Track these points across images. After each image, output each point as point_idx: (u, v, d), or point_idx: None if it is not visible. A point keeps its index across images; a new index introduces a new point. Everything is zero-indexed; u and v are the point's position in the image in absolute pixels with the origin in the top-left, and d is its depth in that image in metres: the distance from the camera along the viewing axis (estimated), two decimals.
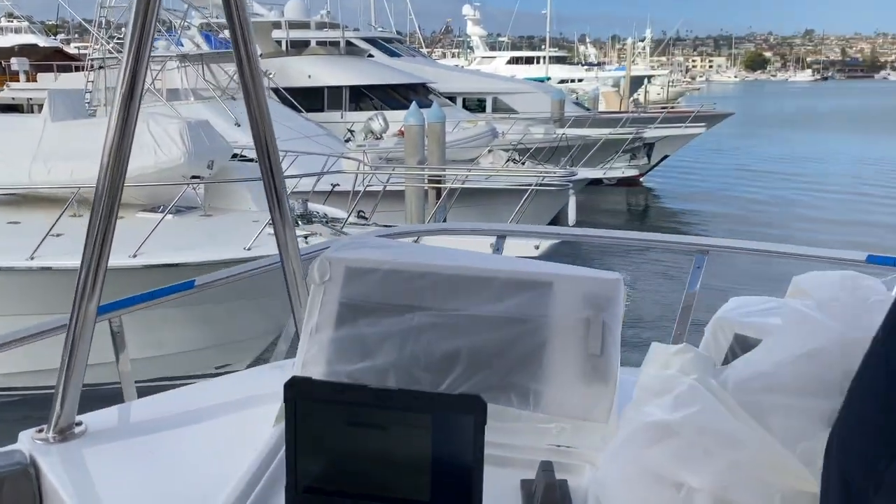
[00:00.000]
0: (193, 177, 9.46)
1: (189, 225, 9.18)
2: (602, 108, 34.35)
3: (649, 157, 22.52)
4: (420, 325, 1.52)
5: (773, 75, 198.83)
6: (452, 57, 59.89)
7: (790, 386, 1.14)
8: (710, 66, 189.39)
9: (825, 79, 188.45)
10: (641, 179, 23.74)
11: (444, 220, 12.46)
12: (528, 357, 1.47)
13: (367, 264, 1.60)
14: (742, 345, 1.41)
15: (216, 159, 9.79)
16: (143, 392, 1.89)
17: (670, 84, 57.55)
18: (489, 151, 16.70)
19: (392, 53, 28.25)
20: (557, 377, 1.46)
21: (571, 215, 10.84)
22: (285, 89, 19.75)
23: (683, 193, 23.84)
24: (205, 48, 18.06)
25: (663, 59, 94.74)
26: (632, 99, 41.44)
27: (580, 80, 45.86)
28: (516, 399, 1.46)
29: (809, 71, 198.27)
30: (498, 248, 2.47)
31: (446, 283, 1.56)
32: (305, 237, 7.94)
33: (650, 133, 21.57)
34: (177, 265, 7.93)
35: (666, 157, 24.43)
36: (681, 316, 2.15)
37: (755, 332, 1.39)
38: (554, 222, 13.94)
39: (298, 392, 1.09)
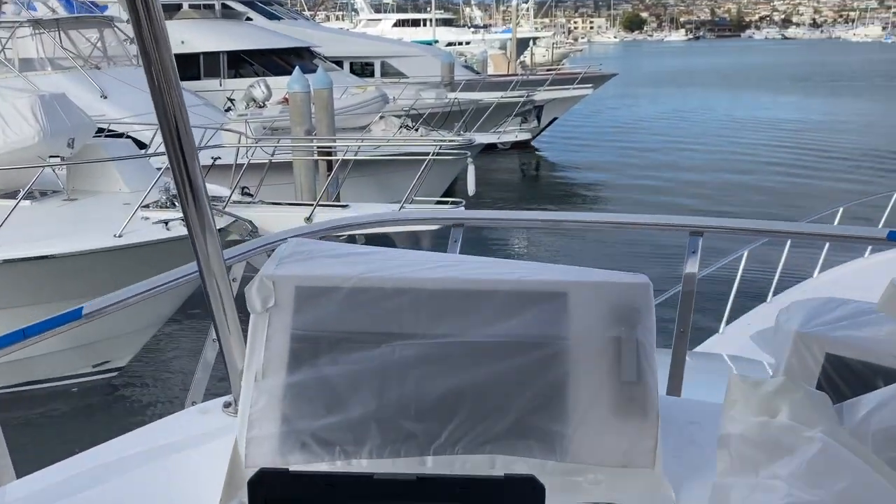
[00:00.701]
0: (52, 157, 8.47)
1: (50, 211, 8.30)
2: (491, 71, 34.30)
3: (539, 119, 22.65)
4: (403, 359, 1.22)
5: (649, 35, 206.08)
6: (336, 20, 58.07)
7: None
8: (591, 28, 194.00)
9: (697, 38, 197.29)
10: (533, 142, 23.87)
11: (338, 194, 11.92)
12: (547, 392, 1.20)
13: (325, 281, 1.29)
14: (838, 367, 1.18)
15: (77, 137, 8.81)
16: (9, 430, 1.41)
17: (554, 46, 58.38)
18: (381, 118, 16.16)
19: (272, 16, 26.87)
20: (586, 415, 1.19)
21: (471, 185, 10.56)
22: None
23: (574, 156, 24.18)
24: (62, 13, 16.36)
25: (546, 20, 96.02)
26: (519, 61, 41.63)
27: (468, 43, 45.62)
28: (537, 447, 1.18)
29: (683, 31, 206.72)
30: (455, 239, 2.10)
31: (433, 301, 1.27)
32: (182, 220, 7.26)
33: (540, 96, 21.65)
34: (38, 258, 7.08)
35: (555, 119, 24.72)
36: (682, 307, 1.84)
37: (856, 352, 1.17)
38: (450, 192, 13.67)
39: (270, 493, 0.78)
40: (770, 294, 4.68)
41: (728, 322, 4.55)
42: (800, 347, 1.26)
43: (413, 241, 9.60)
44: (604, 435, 1.20)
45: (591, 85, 24.24)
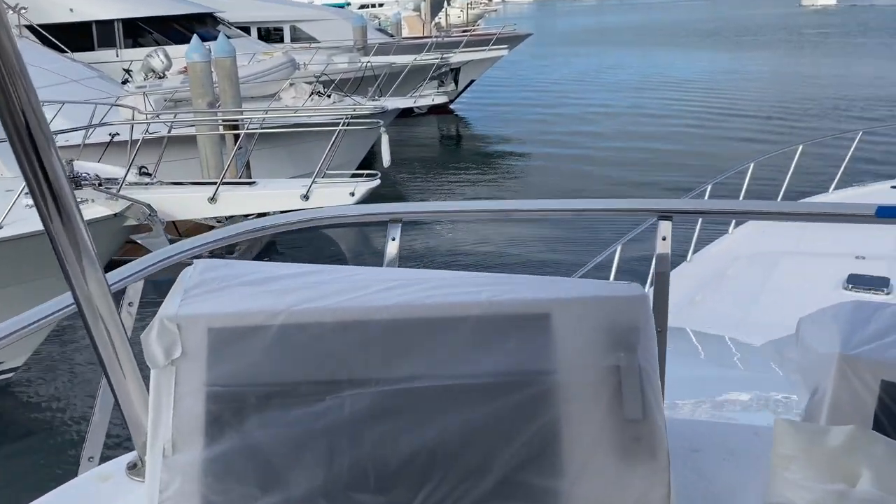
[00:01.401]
0: None
1: None
2: (405, 33, 33.59)
3: (456, 82, 22.30)
4: (355, 414, 0.99)
5: None
6: None
7: None
8: None
9: None
10: (451, 106, 23.52)
11: (248, 167, 11.28)
12: (537, 440, 1.01)
13: (247, 319, 1.03)
14: None
15: None
16: None
17: (469, 6, 57.75)
18: (290, 85, 15.45)
19: None
20: (585, 465, 1.01)
21: (386, 156, 10.12)
22: (42, 26, 17.24)
23: (494, 119, 23.94)
24: None
25: None
26: (434, 23, 40.96)
27: (381, 5, 44.56)
28: None
29: None
30: (393, 237, 1.78)
31: (388, 335, 1.03)
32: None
33: (456, 58, 21.25)
34: None
35: (472, 81, 24.41)
36: (656, 302, 1.57)
37: None
38: (366, 164, 13.20)
39: None
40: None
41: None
42: (847, 374, 1.04)
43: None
44: (608, 487, 1.01)
45: (506, 46, 23.99)
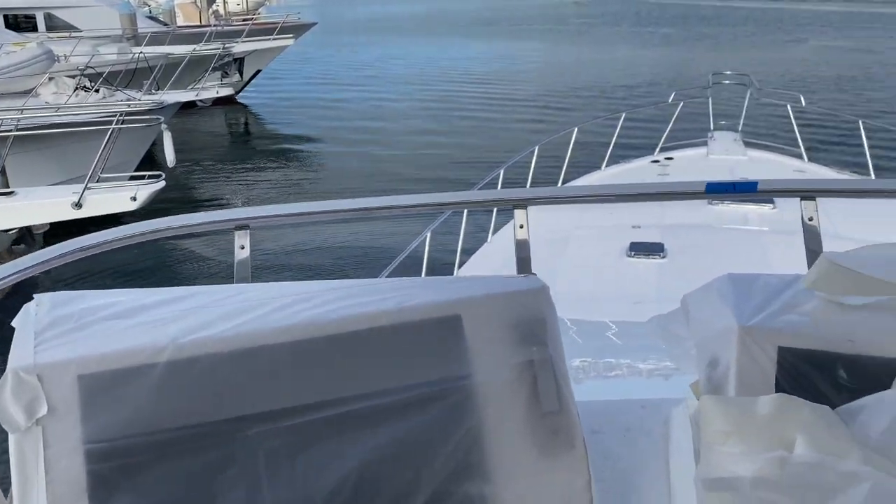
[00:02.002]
0: None
1: None
2: (180, 22, 31.54)
3: (241, 73, 21.38)
4: (269, 451, 0.89)
5: None
6: None
7: None
8: None
9: None
10: (238, 97, 22.51)
11: (3, 174, 9.95)
12: (463, 448, 0.98)
13: (125, 359, 0.88)
14: (794, 363, 1.03)
15: None
16: None
17: None
18: (50, 79, 13.84)
19: None
20: (512, 464, 1.00)
21: (170, 155, 9.35)
22: None
23: (284, 109, 23.25)
24: None
25: None
26: (211, 11, 38.87)
27: None
28: None
29: None
30: (242, 246, 1.59)
31: (294, 358, 0.94)
32: None
33: (239, 47, 20.33)
34: None
35: (258, 71, 23.57)
36: None
37: (808, 341, 1.03)
38: (147, 163, 12.21)
39: None
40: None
41: None
42: (749, 344, 1.06)
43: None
44: (534, 483, 1.01)
45: (291, 35, 23.37)
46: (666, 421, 1.33)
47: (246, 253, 1.59)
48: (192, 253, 10.26)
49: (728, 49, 40.09)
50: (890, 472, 0.84)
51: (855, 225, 3.69)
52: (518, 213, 1.74)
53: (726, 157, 5.90)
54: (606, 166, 6.30)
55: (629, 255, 3.64)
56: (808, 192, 1.65)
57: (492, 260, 4.15)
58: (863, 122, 6.84)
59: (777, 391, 1.02)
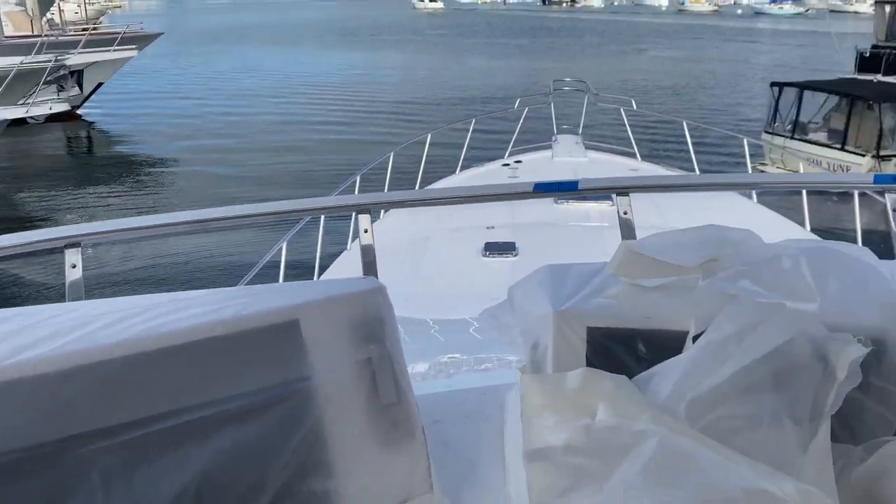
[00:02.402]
0: None
1: None
2: (9, 31, 29.07)
3: (81, 86, 20.03)
4: (106, 470, 0.86)
5: None
6: None
7: (766, 394, 0.94)
8: None
9: None
10: (80, 112, 21.06)
11: None
12: (305, 448, 1.00)
13: None
14: (600, 340, 1.15)
15: None
16: None
17: (88, 2, 52.22)
18: None
19: None
20: (354, 458, 1.04)
21: None
22: None
23: (131, 124, 21.99)
24: None
25: None
26: (45, 20, 36.17)
27: None
28: None
29: None
30: (73, 264, 1.55)
31: (128, 374, 0.92)
32: None
33: (75, 59, 19.03)
34: None
35: (100, 84, 22.15)
36: None
37: (611, 320, 1.15)
38: None
39: None
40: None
41: None
42: (562, 327, 1.17)
43: None
44: (376, 475, 1.06)
45: (134, 46, 22.18)
46: (502, 405, 1.41)
47: (78, 272, 1.54)
48: (17, 277, 9.52)
49: (575, 58, 42.25)
50: (673, 428, 0.95)
51: (679, 215, 4.09)
52: (362, 218, 1.78)
53: (569, 158, 6.22)
54: (461, 170, 6.46)
55: (484, 255, 3.77)
56: (621, 189, 1.84)
57: (353, 265, 4.07)
58: (686, 123, 7.49)
59: (588, 366, 1.12)
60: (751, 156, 14.77)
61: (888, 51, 16.14)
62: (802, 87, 16.16)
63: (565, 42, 53.61)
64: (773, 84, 16.61)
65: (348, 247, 4.59)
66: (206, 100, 25.94)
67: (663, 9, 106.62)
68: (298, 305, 1.06)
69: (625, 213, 1.83)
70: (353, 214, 1.86)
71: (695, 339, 1.09)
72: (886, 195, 2.03)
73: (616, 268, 1.23)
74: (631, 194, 1.83)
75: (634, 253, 1.20)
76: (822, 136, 15.64)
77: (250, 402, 1.00)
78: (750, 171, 6.58)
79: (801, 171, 14.24)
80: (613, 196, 1.87)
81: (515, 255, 3.75)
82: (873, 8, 18.02)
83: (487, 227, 4.18)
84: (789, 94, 16.09)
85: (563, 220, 4.27)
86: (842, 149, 14.89)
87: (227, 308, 1.05)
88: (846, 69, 17.41)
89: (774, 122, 16.21)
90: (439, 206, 2.20)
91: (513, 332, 1.32)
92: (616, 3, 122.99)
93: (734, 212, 4.64)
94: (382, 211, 4.77)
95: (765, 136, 16.34)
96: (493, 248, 3.83)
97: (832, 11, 70.49)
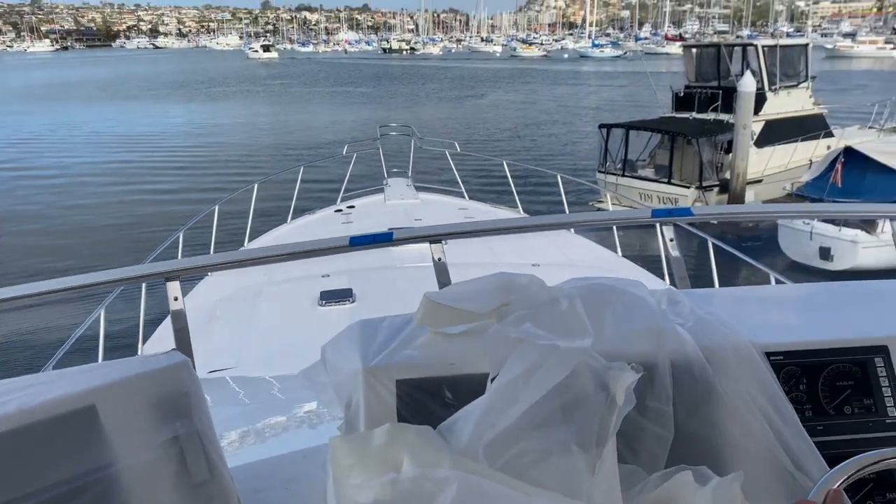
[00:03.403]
0: None
1: None
2: None
3: None
4: None
5: (8, 46, 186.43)
6: None
7: (554, 428, 1.05)
8: None
9: (66, 48, 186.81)
10: None
11: None
12: None
13: None
14: (410, 392, 1.19)
15: None
16: None
17: None
18: None
19: None
20: None
21: None
22: None
23: None
24: None
25: None
26: None
27: None
28: None
29: (48, 41, 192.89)
30: None
31: None
32: None
33: None
34: None
35: None
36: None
37: (418, 371, 1.20)
38: None
39: None
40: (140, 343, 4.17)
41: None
42: (372, 383, 1.20)
43: None
44: None
45: None
46: (323, 466, 1.38)
47: None
48: None
49: (419, 104, 43.13)
50: (472, 471, 1.00)
51: (512, 252, 4.29)
52: (170, 285, 1.75)
53: (401, 201, 6.34)
54: (292, 219, 6.32)
55: (321, 305, 3.68)
56: (434, 237, 1.97)
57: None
58: (506, 162, 7.89)
59: (399, 420, 1.16)
60: (588, 192, 15.66)
61: (699, 90, 17.59)
62: (628, 127, 17.22)
63: (408, 88, 54.77)
64: (601, 126, 17.57)
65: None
66: (20, 160, 23.79)
67: (497, 55, 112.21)
68: (94, 389, 1.03)
69: (439, 260, 1.95)
70: (164, 280, 1.80)
71: (493, 381, 1.13)
72: (662, 227, 2.13)
73: (420, 319, 1.27)
74: (443, 241, 1.97)
75: (435, 303, 1.25)
76: (650, 172, 16.68)
77: (47, 499, 0.96)
78: (566, 209, 7.11)
79: (634, 205, 15.09)
80: (428, 244, 1.97)
81: (353, 302, 3.68)
82: (682, 51, 19.65)
83: (323, 276, 4.07)
84: (617, 135, 17.08)
85: (399, 261, 4.22)
86: (669, 182, 15.93)
87: (11, 401, 1.00)
88: (664, 105, 18.80)
89: (606, 162, 17.11)
90: (253, 266, 2.13)
91: (328, 391, 1.33)
92: (454, 51, 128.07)
93: (559, 243, 4.94)
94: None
95: (599, 176, 17.21)
96: (330, 297, 3.74)
97: (647, 53, 77.24)
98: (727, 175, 15.89)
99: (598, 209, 14.21)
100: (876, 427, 1.32)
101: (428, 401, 1.21)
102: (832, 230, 11.78)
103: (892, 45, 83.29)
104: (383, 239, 2.02)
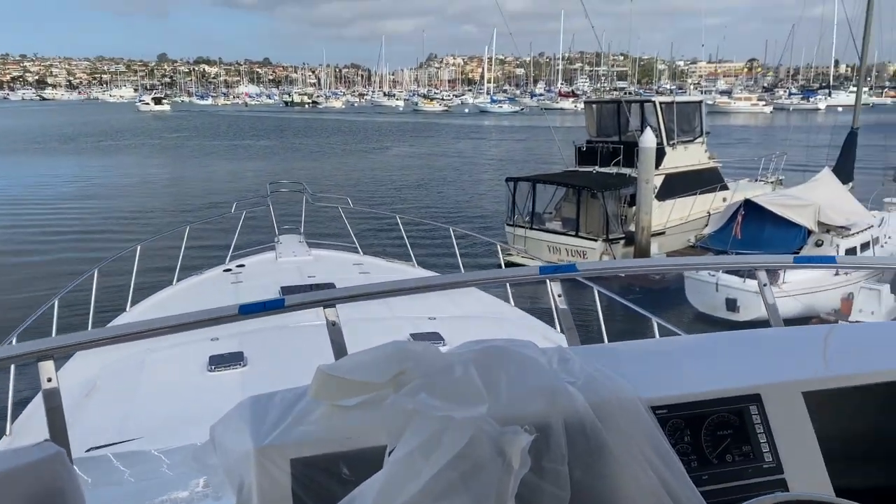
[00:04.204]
0: None
1: None
2: None
3: None
4: None
5: None
6: None
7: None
8: None
9: None
10: None
11: None
12: None
13: None
14: (310, 472, 1.18)
15: None
16: None
17: None
18: None
19: None
20: None
21: None
22: None
23: None
24: None
25: None
26: None
27: None
28: None
29: None
30: None
31: None
32: None
33: None
34: None
35: None
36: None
37: (314, 448, 1.19)
38: None
39: None
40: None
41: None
42: (265, 465, 1.17)
43: None
44: None
45: None
46: None
47: None
48: None
49: (323, 157, 42.65)
50: None
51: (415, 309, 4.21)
52: (43, 365, 1.68)
53: (294, 258, 6.25)
54: (178, 280, 6.07)
55: (210, 370, 3.53)
56: (328, 301, 1.94)
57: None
58: (399, 217, 7.95)
59: (295, 501, 1.17)
60: (484, 245, 15.55)
61: (600, 144, 18.01)
62: (534, 181, 17.35)
63: (313, 141, 54.26)
64: (507, 179, 17.64)
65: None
66: None
67: (400, 109, 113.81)
68: None
69: (334, 324, 1.93)
70: (36, 360, 1.68)
71: (390, 454, 1.12)
72: (550, 283, 2.19)
73: (314, 392, 1.25)
74: (337, 305, 1.94)
75: (329, 375, 1.23)
76: (557, 225, 16.79)
77: None
78: (460, 262, 7.09)
79: (543, 259, 15.05)
80: (322, 309, 1.94)
81: (245, 366, 3.54)
82: (582, 107, 20.16)
83: (212, 339, 3.87)
84: (524, 188, 17.16)
85: (292, 321, 4.03)
86: (577, 235, 16.04)
87: None
88: (567, 159, 19.14)
89: (514, 215, 17.12)
90: (130, 341, 2.01)
91: (219, 473, 1.27)
92: (356, 105, 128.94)
93: (455, 296, 4.99)
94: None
95: (507, 229, 17.17)
96: (220, 361, 3.59)
97: (544, 108, 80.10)
98: (632, 228, 16.17)
99: (507, 262, 14.07)
100: (755, 473, 1.40)
101: (324, 479, 1.20)
102: (737, 281, 12.03)
103: (764, 102, 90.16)
104: (274, 306, 1.96)
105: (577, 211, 16.19)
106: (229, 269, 6.05)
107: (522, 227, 16.85)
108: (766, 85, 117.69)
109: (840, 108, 74.74)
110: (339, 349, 1.87)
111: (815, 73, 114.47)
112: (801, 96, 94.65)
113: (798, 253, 10.93)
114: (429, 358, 1.25)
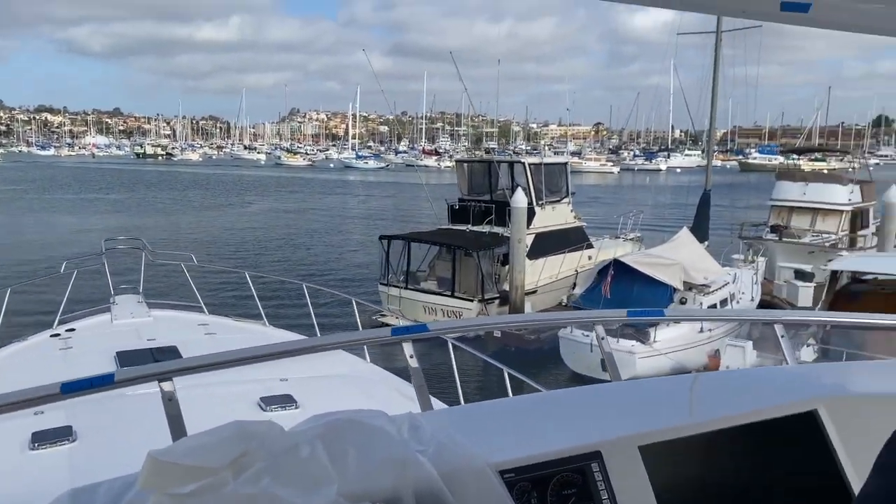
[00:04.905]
0: None
1: None
2: None
3: None
4: None
5: None
6: None
7: None
8: None
9: None
10: None
11: None
12: None
13: None
14: None
15: None
16: None
17: None
18: None
19: None
20: None
21: None
22: None
23: None
24: None
25: None
26: None
27: None
28: None
29: None
30: None
31: None
32: None
33: None
34: None
35: None
36: None
37: None
38: None
39: None
40: None
41: None
42: None
43: None
44: None
45: None
46: None
47: None
48: None
49: (178, 212, 40.47)
50: None
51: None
52: None
53: (132, 320, 5.86)
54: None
55: (32, 448, 3.18)
56: (164, 375, 1.84)
57: None
58: (248, 273, 7.67)
59: None
60: (375, 302, 15.04)
61: (473, 203, 18.13)
62: (408, 239, 17.11)
63: (168, 195, 51.59)
64: (381, 237, 17.30)
65: None
66: None
67: (262, 162, 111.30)
68: None
69: (170, 399, 1.80)
70: None
71: None
72: (403, 344, 2.19)
73: (145, 481, 1.14)
74: (173, 378, 1.83)
75: (162, 462, 1.13)
76: (432, 285, 16.56)
77: None
78: (314, 320, 6.86)
79: (418, 318, 14.69)
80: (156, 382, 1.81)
81: (73, 441, 3.23)
82: (445, 165, 20.31)
83: (35, 413, 3.46)
84: (397, 246, 16.86)
85: (128, 388, 3.56)
86: (452, 296, 15.85)
87: None
88: (435, 214, 19.09)
89: (388, 274, 16.74)
90: None
91: None
92: (214, 157, 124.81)
93: (316, 358, 4.70)
94: None
95: (381, 289, 16.74)
96: (43, 438, 3.25)
97: (408, 165, 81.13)
98: (506, 287, 16.24)
99: (382, 323, 13.60)
100: None
101: None
102: (610, 341, 12.22)
103: (612, 163, 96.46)
104: (102, 383, 1.83)
105: (452, 270, 16.07)
106: (57, 334, 5.51)
107: (397, 286, 16.49)
108: (611, 147, 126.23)
109: (678, 170, 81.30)
110: (177, 425, 1.76)
111: (654, 136, 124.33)
112: (644, 158, 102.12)
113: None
114: (272, 438, 1.21)
